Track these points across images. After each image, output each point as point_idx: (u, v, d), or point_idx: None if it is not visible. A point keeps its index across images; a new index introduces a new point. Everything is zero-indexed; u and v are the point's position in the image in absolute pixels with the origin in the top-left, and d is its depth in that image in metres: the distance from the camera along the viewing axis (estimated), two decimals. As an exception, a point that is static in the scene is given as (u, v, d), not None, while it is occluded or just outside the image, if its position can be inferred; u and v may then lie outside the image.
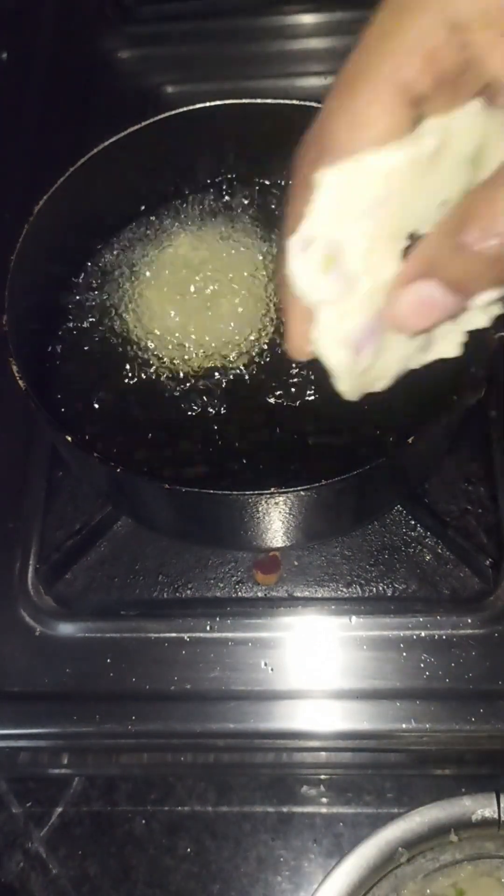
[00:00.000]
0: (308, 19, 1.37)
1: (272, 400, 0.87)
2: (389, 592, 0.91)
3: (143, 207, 1.02)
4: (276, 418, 0.87)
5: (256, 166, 1.03)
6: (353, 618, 0.90)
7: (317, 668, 0.88)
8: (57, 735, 0.88)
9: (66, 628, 0.92)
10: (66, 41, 1.39)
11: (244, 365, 0.90)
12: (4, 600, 0.93)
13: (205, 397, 0.89)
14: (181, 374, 0.91)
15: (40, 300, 0.91)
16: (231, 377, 0.89)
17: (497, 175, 0.47)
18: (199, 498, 0.77)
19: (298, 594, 0.92)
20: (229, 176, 1.03)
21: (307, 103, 0.93)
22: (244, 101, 0.95)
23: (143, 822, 0.97)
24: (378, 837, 0.76)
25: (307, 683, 0.88)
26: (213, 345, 0.92)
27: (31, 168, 1.22)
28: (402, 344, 0.55)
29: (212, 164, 1.02)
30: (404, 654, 0.88)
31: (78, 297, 0.97)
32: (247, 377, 0.89)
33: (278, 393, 0.88)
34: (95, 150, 0.91)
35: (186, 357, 0.92)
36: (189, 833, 0.96)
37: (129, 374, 0.92)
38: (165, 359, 0.93)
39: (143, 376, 0.92)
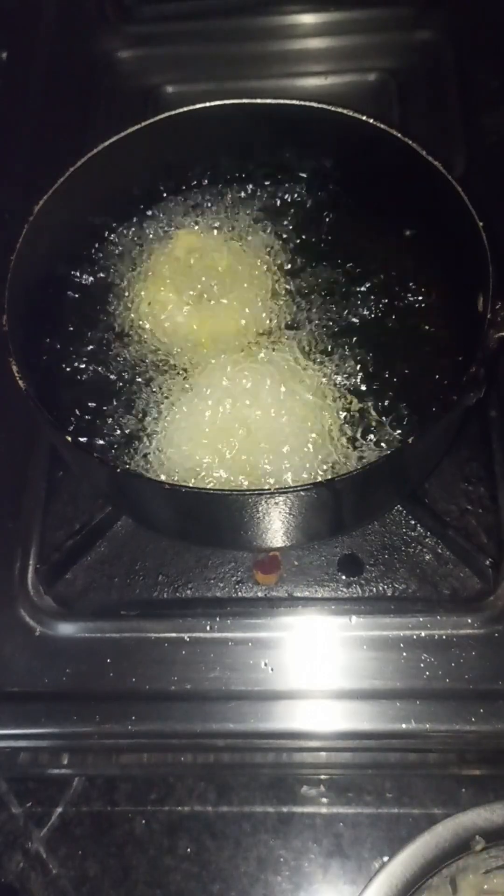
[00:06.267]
0: (308, 19, 1.37)
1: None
2: (389, 592, 0.91)
3: (143, 207, 1.02)
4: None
5: (256, 165, 1.03)
6: (353, 618, 0.90)
7: (317, 668, 0.88)
8: (57, 735, 0.88)
9: (66, 628, 0.92)
10: (66, 41, 1.39)
11: (248, 357, 0.90)
12: (4, 600, 0.93)
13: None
14: (185, 372, 0.91)
15: (40, 300, 0.91)
16: (234, 367, 0.89)
17: None
18: (199, 498, 0.77)
19: (298, 594, 0.92)
20: (229, 175, 1.03)
21: (307, 103, 0.94)
22: (244, 101, 0.95)
23: (143, 822, 0.96)
24: (456, 821, 0.75)
25: (307, 683, 0.88)
26: (216, 342, 0.93)
27: (31, 168, 1.22)
28: None
29: (212, 163, 1.02)
30: (404, 654, 0.88)
31: (78, 297, 0.97)
32: (252, 368, 0.89)
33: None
34: (95, 150, 0.91)
35: (189, 356, 0.93)
36: (189, 833, 0.95)
37: (131, 374, 0.92)
38: (169, 357, 0.93)
39: (146, 375, 0.92)
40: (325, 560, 0.93)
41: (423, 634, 0.88)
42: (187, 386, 0.90)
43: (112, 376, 0.92)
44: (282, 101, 0.94)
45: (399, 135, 0.89)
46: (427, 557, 0.92)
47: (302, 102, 0.94)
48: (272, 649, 0.89)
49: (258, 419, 0.85)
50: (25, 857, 0.95)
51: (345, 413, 0.87)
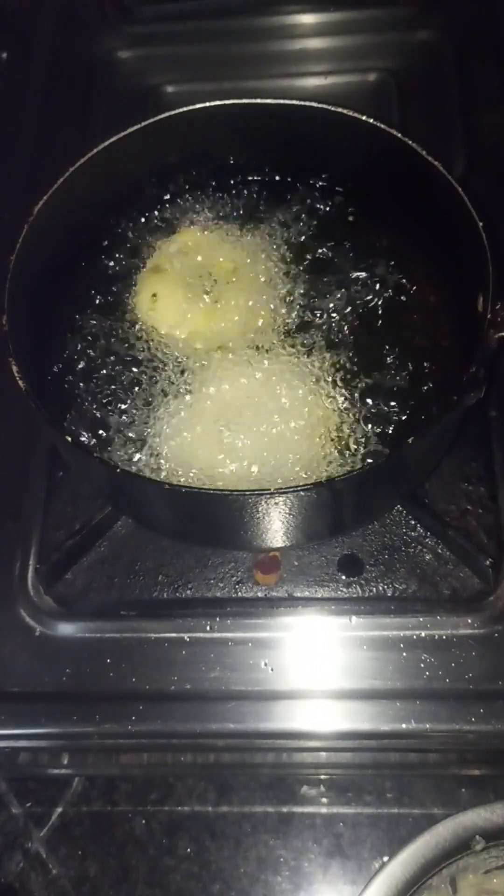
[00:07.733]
0: (308, 19, 1.37)
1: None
2: (389, 592, 0.91)
3: (143, 207, 1.02)
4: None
5: (256, 165, 1.03)
6: (353, 618, 0.90)
7: (317, 668, 0.88)
8: (57, 735, 0.88)
9: (66, 628, 0.92)
10: (66, 41, 1.39)
11: (250, 356, 0.90)
12: (4, 600, 0.93)
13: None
14: (187, 371, 0.91)
15: (41, 300, 0.91)
16: (236, 367, 0.89)
17: None
18: (199, 498, 0.77)
19: (298, 594, 0.92)
20: (229, 175, 1.03)
21: (307, 103, 0.94)
22: (244, 101, 0.95)
23: (143, 822, 0.97)
24: (456, 821, 0.75)
25: (307, 683, 0.88)
26: (219, 341, 0.93)
27: (31, 168, 1.22)
28: None
29: (211, 163, 1.02)
30: (404, 654, 0.88)
31: (78, 297, 0.97)
32: (254, 367, 0.89)
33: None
34: (95, 150, 0.91)
35: (192, 355, 0.93)
36: (189, 833, 0.96)
37: (133, 373, 0.92)
38: (170, 356, 0.93)
39: (148, 374, 0.92)
40: (325, 560, 0.93)
41: (423, 634, 0.88)
42: (189, 385, 0.90)
43: (113, 375, 0.92)
44: (282, 101, 0.94)
45: (399, 135, 0.89)
46: (427, 557, 0.92)
47: (302, 102, 0.94)
48: (272, 649, 0.89)
49: (259, 418, 0.85)
50: (25, 857, 0.95)
51: (345, 412, 0.87)
